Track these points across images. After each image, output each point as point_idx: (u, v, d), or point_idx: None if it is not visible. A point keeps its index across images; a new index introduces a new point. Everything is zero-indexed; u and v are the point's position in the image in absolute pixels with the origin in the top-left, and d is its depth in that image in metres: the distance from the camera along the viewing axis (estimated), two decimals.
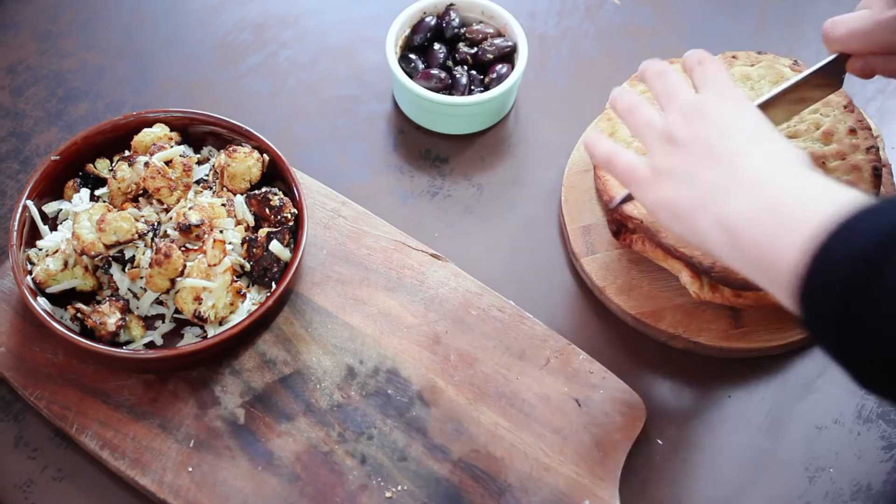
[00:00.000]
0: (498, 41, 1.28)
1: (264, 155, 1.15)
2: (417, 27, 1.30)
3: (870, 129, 1.15)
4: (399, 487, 1.02)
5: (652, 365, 1.13)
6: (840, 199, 0.78)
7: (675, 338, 1.13)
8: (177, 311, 1.09)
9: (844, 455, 1.08)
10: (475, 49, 1.29)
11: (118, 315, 1.06)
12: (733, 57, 1.21)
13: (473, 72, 1.28)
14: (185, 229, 1.07)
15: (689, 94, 0.97)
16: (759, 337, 1.12)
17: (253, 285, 1.10)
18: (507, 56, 1.28)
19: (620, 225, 1.15)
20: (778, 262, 0.79)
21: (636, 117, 0.99)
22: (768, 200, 0.82)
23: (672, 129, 0.94)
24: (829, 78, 1.09)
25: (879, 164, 1.12)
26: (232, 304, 1.07)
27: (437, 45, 1.29)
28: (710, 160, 0.89)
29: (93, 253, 1.06)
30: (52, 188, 1.14)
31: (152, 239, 1.08)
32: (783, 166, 0.86)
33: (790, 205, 0.81)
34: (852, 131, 1.14)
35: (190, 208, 1.09)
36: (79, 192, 1.13)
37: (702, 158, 0.90)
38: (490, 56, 1.27)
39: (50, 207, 1.13)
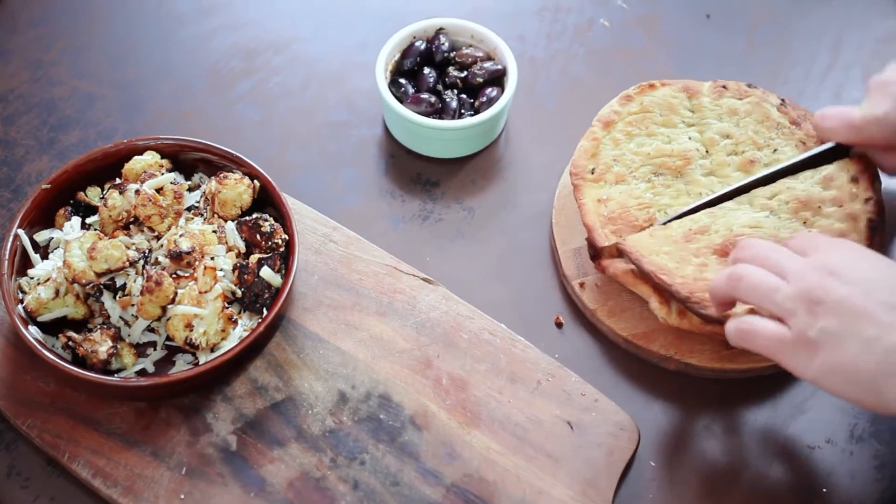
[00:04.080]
0: (487, 64, 1.29)
1: (255, 181, 1.15)
2: (407, 52, 1.31)
3: (872, 180, 1.15)
4: None
5: (644, 387, 1.13)
6: None
7: (667, 359, 1.13)
8: (168, 338, 1.09)
9: (837, 475, 1.08)
10: (465, 73, 1.29)
11: (109, 343, 1.06)
12: (723, 87, 1.22)
13: (463, 95, 1.29)
14: (176, 256, 1.08)
15: (803, 258, 0.96)
16: (751, 358, 1.12)
17: (244, 311, 1.10)
18: (497, 79, 1.29)
19: (598, 250, 1.15)
20: None
21: (760, 287, 0.96)
22: None
23: (811, 290, 0.92)
24: (828, 162, 1.14)
25: (876, 218, 1.12)
26: (223, 331, 1.07)
27: (426, 70, 1.30)
28: (870, 318, 0.89)
29: (84, 281, 1.06)
30: (43, 217, 1.14)
31: (143, 266, 1.09)
32: None
33: None
34: (854, 180, 1.14)
35: (181, 235, 1.09)
36: (70, 220, 1.14)
37: (857, 318, 0.89)
38: (480, 79, 1.28)
39: (41, 236, 1.14)
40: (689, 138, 1.19)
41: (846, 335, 0.89)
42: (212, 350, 1.07)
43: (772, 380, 1.13)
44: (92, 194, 1.17)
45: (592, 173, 1.18)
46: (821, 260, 0.94)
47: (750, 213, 1.13)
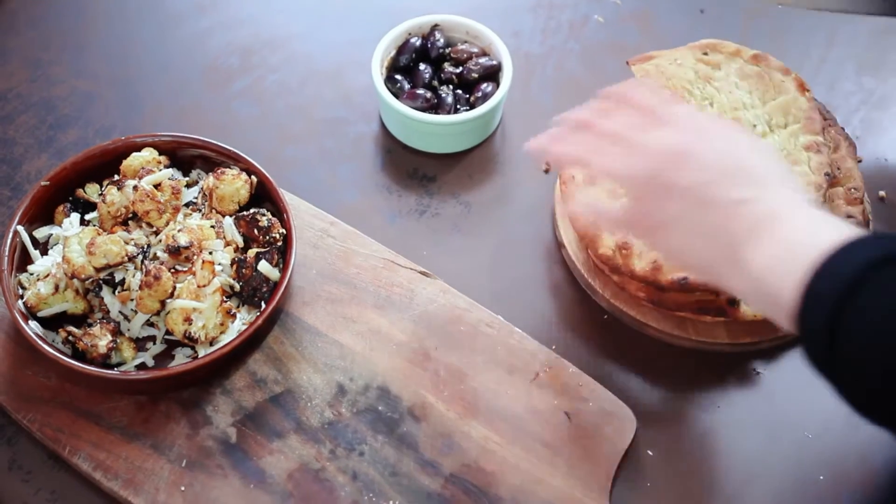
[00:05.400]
0: (483, 60, 1.30)
1: (252, 177, 1.16)
2: (403, 48, 1.31)
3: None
4: (391, 503, 1.03)
5: (641, 377, 1.14)
6: (836, 235, 0.80)
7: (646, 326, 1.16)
8: (168, 332, 1.09)
9: (834, 462, 1.08)
10: (460, 68, 1.30)
11: (109, 337, 1.06)
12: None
13: (459, 91, 1.29)
14: (175, 251, 1.08)
15: (658, 132, 0.93)
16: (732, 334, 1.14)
17: (243, 305, 1.11)
18: (492, 75, 1.30)
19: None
20: (783, 296, 0.81)
21: (606, 153, 0.95)
22: (782, 244, 0.83)
23: (661, 174, 0.90)
24: None
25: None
26: (222, 325, 1.08)
27: (422, 66, 1.30)
28: (714, 208, 0.88)
29: (83, 276, 1.07)
30: (42, 213, 1.15)
31: (142, 261, 1.09)
32: (791, 208, 0.86)
33: (797, 246, 0.82)
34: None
35: (179, 230, 1.10)
36: (69, 216, 1.14)
37: (703, 206, 0.88)
38: (475, 75, 1.29)
39: (41, 232, 1.14)
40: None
41: (692, 221, 0.89)
42: (211, 344, 1.08)
43: (768, 369, 1.14)
44: (90, 191, 1.17)
45: None
46: (674, 139, 0.91)
47: None
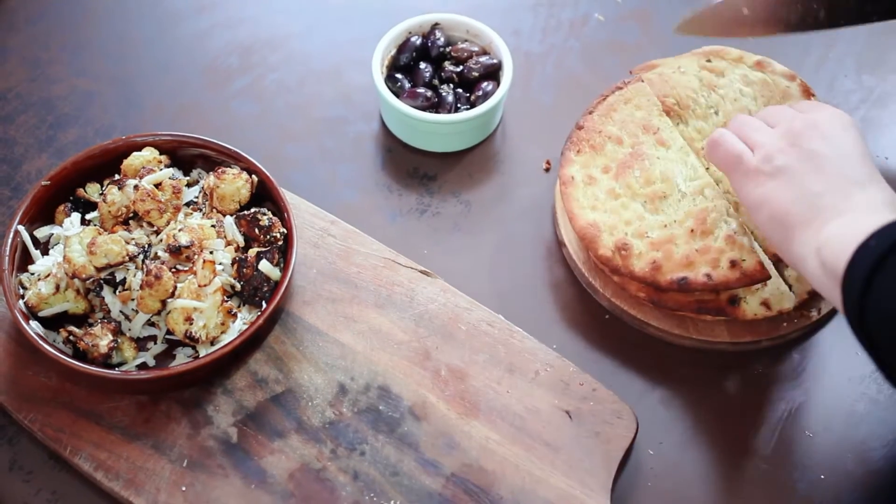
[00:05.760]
0: (483, 59, 1.30)
1: (253, 176, 1.16)
2: (403, 47, 1.31)
3: None
4: (392, 502, 1.03)
5: (642, 376, 1.14)
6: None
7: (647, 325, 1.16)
8: (168, 331, 1.10)
9: (835, 461, 1.09)
10: (461, 67, 1.30)
11: (110, 337, 1.06)
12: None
13: (459, 90, 1.29)
14: (176, 251, 1.08)
15: (802, 115, 1.03)
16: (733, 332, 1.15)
17: (244, 305, 1.11)
18: (493, 73, 1.29)
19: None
20: (839, 267, 0.89)
21: (750, 122, 1.07)
22: (856, 231, 0.89)
23: (792, 133, 1.00)
24: None
25: None
26: (223, 324, 1.08)
27: (422, 65, 1.30)
28: (825, 177, 0.97)
29: (84, 276, 1.07)
30: (43, 213, 1.15)
31: (143, 261, 1.09)
32: (880, 208, 0.93)
33: (866, 228, 0.88)
34: None
35: (180, 230, 1.10)
36: (70, 216, 1.14)
37: (816, 172, 0.97)
38: (475, 74, 1.29)
39: (41, 232, 1.14)
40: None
41: (797, 179, 0.98)
42: (212, 343, 1.08)
43: (769, 369, 1.14)
44: (91, 190, 1.17)
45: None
46: (815, 118, 1.02)
47: (694, 170, 1.17)
